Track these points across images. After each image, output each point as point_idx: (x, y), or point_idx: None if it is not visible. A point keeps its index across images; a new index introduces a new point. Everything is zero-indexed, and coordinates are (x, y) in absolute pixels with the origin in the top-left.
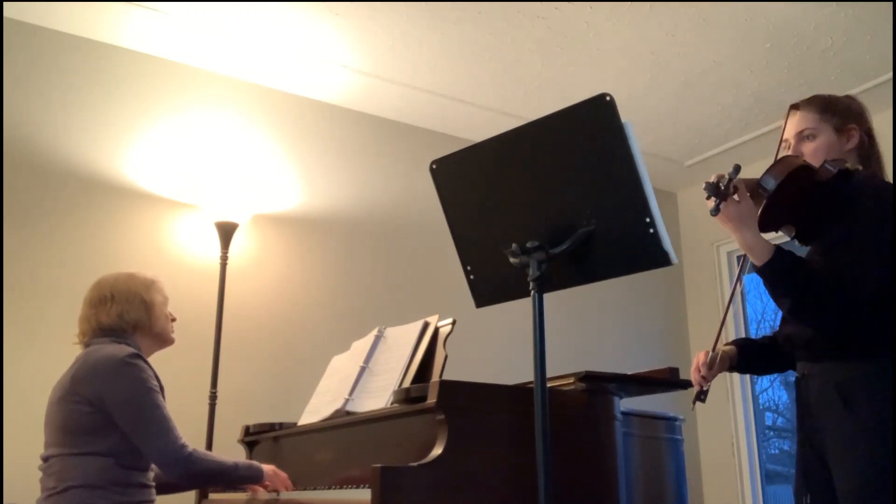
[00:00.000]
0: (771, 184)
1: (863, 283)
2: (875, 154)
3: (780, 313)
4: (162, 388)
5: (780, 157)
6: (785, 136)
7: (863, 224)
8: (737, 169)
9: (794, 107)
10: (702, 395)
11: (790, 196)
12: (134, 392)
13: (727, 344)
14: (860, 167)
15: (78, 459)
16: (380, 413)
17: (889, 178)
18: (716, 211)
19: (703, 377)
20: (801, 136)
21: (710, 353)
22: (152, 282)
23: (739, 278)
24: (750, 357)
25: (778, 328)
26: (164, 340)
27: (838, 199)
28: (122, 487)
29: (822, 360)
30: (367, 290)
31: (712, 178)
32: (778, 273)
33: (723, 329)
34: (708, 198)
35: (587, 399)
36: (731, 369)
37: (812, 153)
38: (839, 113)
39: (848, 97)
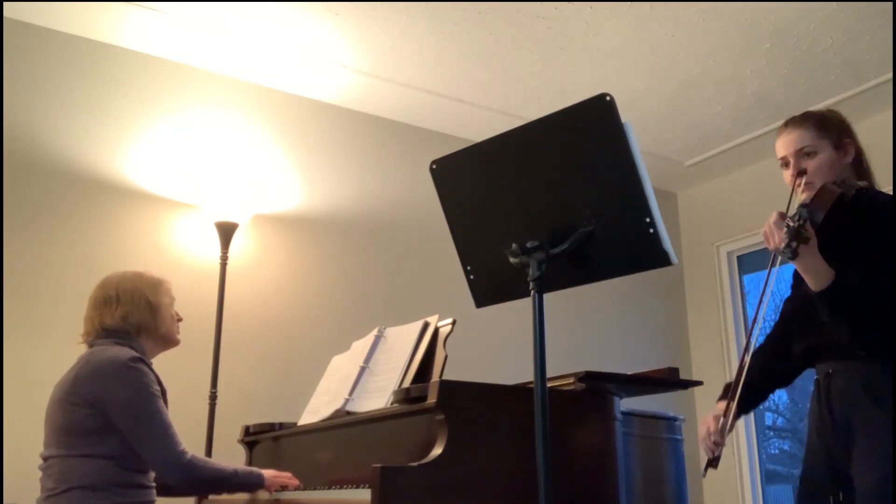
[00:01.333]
0: (819, 216)
1: None
2: (866, 165)
3: (778, 314)
4: (164, 392)
5: (820, 188)
6: (783, 154)
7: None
8: (807, 207)
9: (787, 124)
10: (714, 462)
11: (825, 222)
12: (134, 396)
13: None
14: (865, 182)
15: (78, 461)
16: (380, 413)
17: (878, 186)
18: (794, 254)
19: (716, 443)
20: (801, 154)
21: (722, 419)
22: (159, 282)
23: (758, 321)
24: (746, 405)
25: (794, 343)
26: (169, 342)
27: (858, 219)
28: (122, 488)
29: (849, 358)
30: (367, 290)
31: (784, 221)
32: (838, 296)
33: (738, 386)
34: (789, 243)
35: (587, 399)
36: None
37: (815, 170)
38: (834, 128)
39: (831, 111)
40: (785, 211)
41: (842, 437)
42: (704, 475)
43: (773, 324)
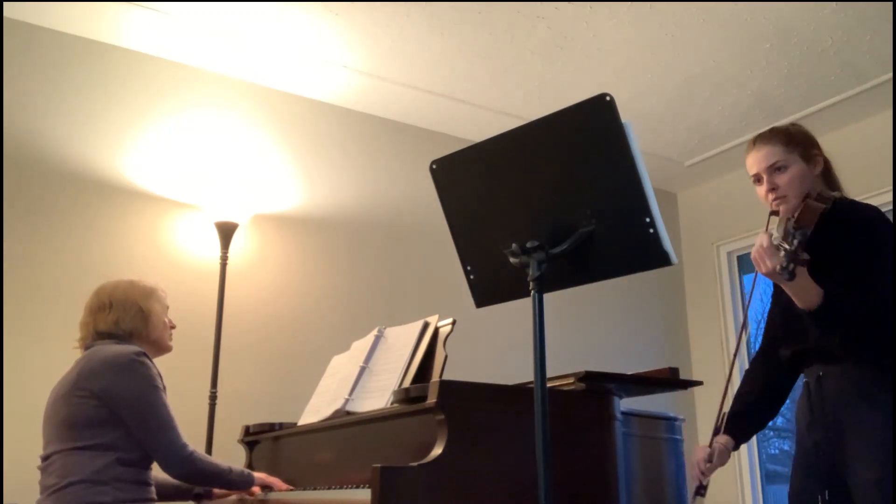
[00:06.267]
0: (808, 235)
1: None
2: (834, 175)
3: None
4: (164, 389)
5: (803, 205)
6: (755, 171)
7: (882, 251)
8: (799, 228)
9: (755, 141)
10: (702, 490)
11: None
12: (141, 389)
13: (721, 435)
14: (838, 192)
15: (80, 454)
16: (380, 413)
17: (846, 193)
18: (792, 276)
19: (703, 472)
20: (773, 168)
21: (708, 448)
22: (152, 290)
23: (744, 327)
24: (744, 432)
25: (781, 349)
26: (160, 349)
27: (840, 231)
28: (123, 483)
29: (840, 361)
30: (367, 290)
31: (779, 243)
32: (829, 314)
33: (724, 401)
34: (786, 266)
35: (587, 399)
36: (734, 449)
37: (787, 183)
38: (801, 142)
39: (794, 125)
40: (766, 228)
41: (833, 437)
42: (692, 503)
43: (762, 337)
